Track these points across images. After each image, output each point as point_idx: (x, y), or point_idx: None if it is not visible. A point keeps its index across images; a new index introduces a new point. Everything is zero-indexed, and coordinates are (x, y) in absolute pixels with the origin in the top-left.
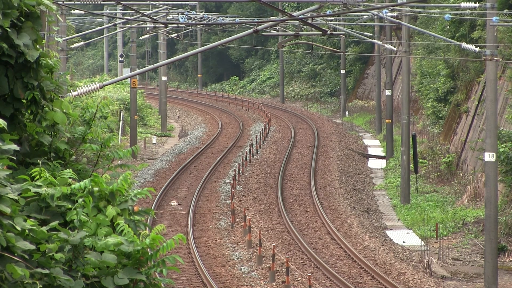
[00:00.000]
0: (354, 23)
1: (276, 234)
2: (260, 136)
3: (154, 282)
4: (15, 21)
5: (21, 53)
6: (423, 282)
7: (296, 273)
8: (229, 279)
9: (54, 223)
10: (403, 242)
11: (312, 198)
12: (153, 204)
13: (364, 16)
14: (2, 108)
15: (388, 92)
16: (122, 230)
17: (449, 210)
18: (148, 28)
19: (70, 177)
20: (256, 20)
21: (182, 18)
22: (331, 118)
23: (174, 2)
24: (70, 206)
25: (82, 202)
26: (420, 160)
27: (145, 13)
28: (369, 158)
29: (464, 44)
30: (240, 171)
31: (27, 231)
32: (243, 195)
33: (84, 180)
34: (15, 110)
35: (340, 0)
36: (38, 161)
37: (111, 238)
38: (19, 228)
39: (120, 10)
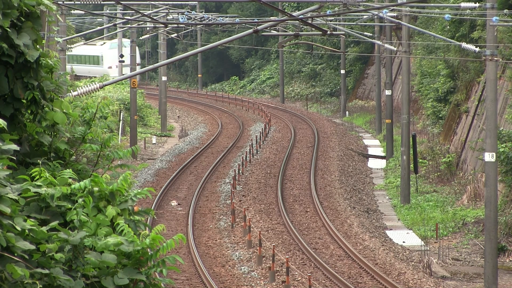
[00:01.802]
0: (354, 23)
1: (276, 234)
2: (260, 136)
3: (154, 282)
4: (15, 21)
5: (21, 53)
6: (423, 282)
7: (296, 273)
8: (229, 279)
9: (54, 223)
10: (403, 242)
11: (312, 198)
12: (153, 204)
13: (364, 16)
14: (2, 108)
15: (388, 92)
16: (122, 230)
17: (449, 210)
18: (148, 28)
19: (70, 177)
20: (256, 20)
21: (182, 18)
22: (331, 118)
23: (174, 2)
24: (70, 206)
25: (82, 202)
26: (420, 160)
27: (145, 13)
28: (369, 158)
29: (464, 44)
30: (240, 171)
31: (27, 231)
32: (243, 195)
33: (84, 180)
34: (15, 110)
35: (340, 0)
36: (38, 161)
37: (111, 238)
38: (19, 228)
39: (120, 10)
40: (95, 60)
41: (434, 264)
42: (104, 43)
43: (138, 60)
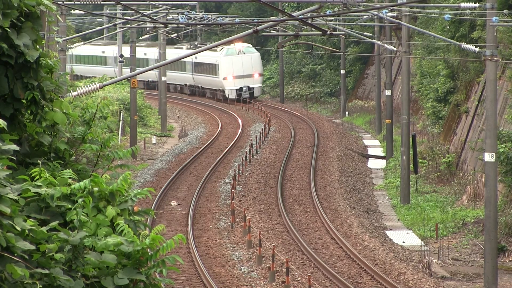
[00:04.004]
0: (354, 23)
1: (276, 234)
2: (260, 136)
3: (154, 282)
4: (15, 21)
5: (21, 53)
6: (423, 282)
7: (296, 273)
8: (229, 279)
9: (54, 223)
10: (403, 242)
11: (312, 198)
12: (153, 204)
13: (364, 16)
14: (2, 108)
15: (388, 92)
16: (122, 230)
17: (449, 210)
18: (148, 28)
19: (70, 177)
20: (256, 20)
21: (182, 18)
22: (331, 118)
23: (174, 2)
24: (70, 206)
25: (82, 202)
26: (420, 160)
27: (145, 13)
28: (369, 158)
29: (464, 44)
30: (240, 171)
31: (27, 231)
32: (243, 195)
33: (84, 180)
34: (15, 110)
35: (340, 0)
36: (38, 161)
37: (111, 238)
38: (19, 228)
39: (120, 10)
40: (211, 70)
41: (434, 264)
42: (222, 48)
43: (260, 69)
